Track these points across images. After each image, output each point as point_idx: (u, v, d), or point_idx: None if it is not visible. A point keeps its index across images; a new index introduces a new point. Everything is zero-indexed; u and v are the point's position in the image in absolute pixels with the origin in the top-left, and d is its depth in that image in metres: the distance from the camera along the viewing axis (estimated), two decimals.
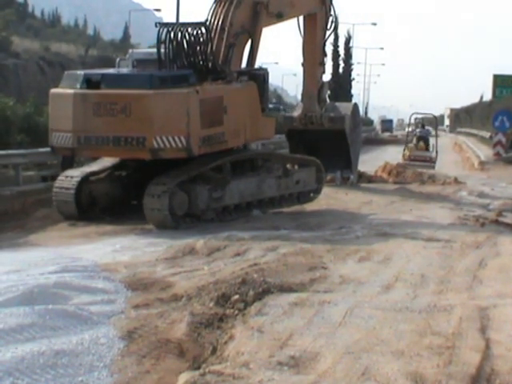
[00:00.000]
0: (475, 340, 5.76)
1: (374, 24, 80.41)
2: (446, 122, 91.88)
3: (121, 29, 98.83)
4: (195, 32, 12.61)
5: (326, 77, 19.88)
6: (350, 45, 76.69)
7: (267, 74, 14.30)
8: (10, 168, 16.51)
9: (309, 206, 14.83)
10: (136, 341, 5.84)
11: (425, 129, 32.17)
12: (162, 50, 12.73)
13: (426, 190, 18.80)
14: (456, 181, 20.88)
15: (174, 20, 28.79)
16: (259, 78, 13.85)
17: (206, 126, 12.04)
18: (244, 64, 14.07)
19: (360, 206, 15.23)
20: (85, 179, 12.95)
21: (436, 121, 34.19)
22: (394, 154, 30.50)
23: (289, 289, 7.34)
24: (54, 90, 12.69)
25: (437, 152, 27.67)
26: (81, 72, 12.88)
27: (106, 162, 13.66)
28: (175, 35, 12.57)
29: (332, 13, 17.47)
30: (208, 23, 13.17)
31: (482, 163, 30.49)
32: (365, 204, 15.53)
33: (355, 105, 20.22)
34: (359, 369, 5.12)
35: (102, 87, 11.99)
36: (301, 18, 16.85)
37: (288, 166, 14.85)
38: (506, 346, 5.65)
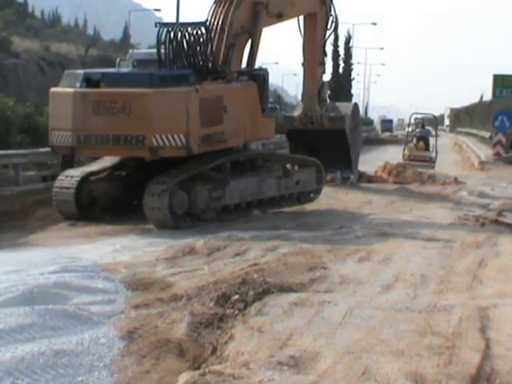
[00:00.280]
0: (475, 340, 5.76)
1: (374, 24, 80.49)
2: (446, 121, 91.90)
3: (121, 29, 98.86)
4: (195, 32, 12.61)
5: (326, 77, 19.89)
6: (350, 45, 76.74)
7: (267, 74, 14.30)
8: (10, 168, 16.50)
9: (309, 206, 14.82)
10: (136, 341, 5.84)
11: (425, 129, 32.19)
12: (162, 51, 12.73)
13: (426, 189, 18.79)
14: (456, 181, 20.87)
15: (174, 20, 28.80)
16: (259, 78, 13.85)
17: (205, 124, 12.05)
18: (244, 64, 14.08)
19: (360, 205, 15.23)
20: (85, 179, 12.95)
21: (436, 121, 34.22)
22: (394, 154, 30.49)
23: (289, 289, 7.34)
24: (53, 89, 12.71)
25: (436, 152, 27.69)
26: (81, 71, 12.91)
27: (106, 161, 13.67)
28: (175, 35, 12.57)
29: (332, 13, 17.46)
30: (208, 23, 13.17)
31: (482, 163, 30.48)
32: (365, 204, 15.52)
33: (355, 105, 20.21)
34: (359, 369, 5.12)
35: (102, 86, 12.01)
36: (301, 18, 16.83)
37: (288, 166, 14.85)
38: (505, 345, 5.66)
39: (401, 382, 4.93)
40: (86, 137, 11.97)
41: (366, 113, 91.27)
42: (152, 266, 8.64)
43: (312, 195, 15.12)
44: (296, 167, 15.13)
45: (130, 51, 15.62)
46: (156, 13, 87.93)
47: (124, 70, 14.09)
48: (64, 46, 48.38)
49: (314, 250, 9.54)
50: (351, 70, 77.13)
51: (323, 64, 17.86)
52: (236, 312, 6.53)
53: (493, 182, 21.19)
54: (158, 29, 12.73)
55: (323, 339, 5.73)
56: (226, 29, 13.34)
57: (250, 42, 13.96)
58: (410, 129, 36.34)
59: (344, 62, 75.94)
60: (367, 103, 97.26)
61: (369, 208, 14.91)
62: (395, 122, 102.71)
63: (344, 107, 18.94)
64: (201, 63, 12.72)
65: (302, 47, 17.41)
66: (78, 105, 11.98)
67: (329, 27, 17.54)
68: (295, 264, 8.60)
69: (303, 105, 18.25)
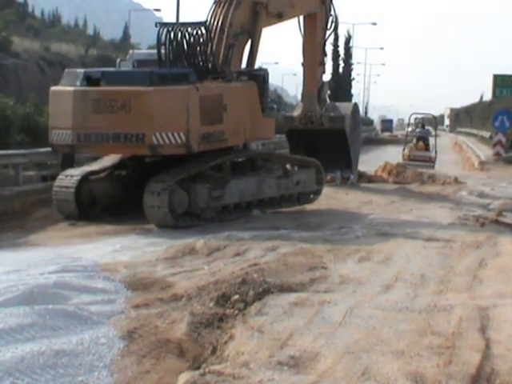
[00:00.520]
0: (475, 340, 5.76)
1: (374, 24, 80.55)
2: (446, 121, 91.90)
3: (121, 29, 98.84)
4: (195, 32, 12.62)
5: (326, 77, 19.89)
6: (350, 45, 76.83)
7: (267, 74, 14.29)
8: (10, 168, 16.51)
9: (309, 206, 14.82)
10: (136, 341, 5.84)
11: (425, 129, 32.23)
12: (163, 51, 12.74)
13: (426, 189, 18.79)
14: (456, 181, 20.86)
15: (174, 20, 28.80)
16: (259, 78, 13.85)
17: (205, 123, 12.05)
18: (244, 64, 14.07)
19: (360, 205, 15.22)
20: (85, 178, 12.95)
21: (435, 121, 34.26)
22: (394, 154, 30.49)
23: (289, 289, 7.34)
24: (54, 88, 12.73)
25: (436, 152, 27.71)
26: (81, 70, 12.93)
27: (106, 161, 13.67)
28: (175, 35, 12.58)
29: (332, 12, 17.47)
30: (208, 24, 13.17)
31: (481, 163, 30.48)
32: (365, 204, 15.52)
33: (355, 105, 20.20)
34: (359, 369, 5.12)
35: (102, 84, 12.03)
36: (301, 18, 16.84)
37: (287, 166, 14.83)
38: (506, 345, 5.66)
39: (401, 382, 4.93)
40: (86, 135, 11.98)
41: (365, 113, 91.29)
42: (152, 265, 8.65)
43: (312, 196, 15.10)
44: (296, 168, 15.13)
45: (131, 52, 15.68)
46: (156, 13, 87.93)
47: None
48: (64, 45, 48.40)
49: (314, 250, 9.55)
50: (351, 69, 77.20)
51: (323, 64, 17.86)
52: (236, 312, 6.53)
53: (493, 182, 21.19)
54: (158, 29, 12.75)
55: (323, 339, 5.73)
56: (226, 29, 13.34)
57: (249, 42, 13.96)
58: (409, 129, 36.37)
59: (344, 62, 76.01)
60: (367, 103, 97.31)
61: (369, 208, 14.90)
62: (395, 121, 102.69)
63: (344, 107, 18.93)
64: (201, 63, 12.73)
65: (302, 47, 17.41)
66: (78, 103, 11.99)
67: (329, 27, 17.55)
68: (295, 264, 8.60)
69: (303, 105, 18.25)
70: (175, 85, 11.88)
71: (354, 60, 77.89)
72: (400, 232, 11.36)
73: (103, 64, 35.35)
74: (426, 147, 29.40)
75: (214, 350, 5.68)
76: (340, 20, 19.16)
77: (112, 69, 14.02)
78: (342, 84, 72.00)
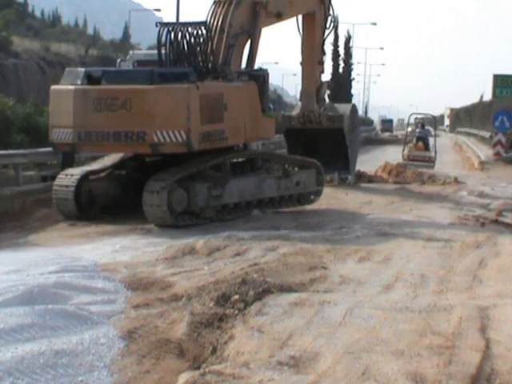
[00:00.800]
0: (475, 340, 5.76)
1: (374, 24, 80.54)
2: (446, 121, 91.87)
3: (121, 29, 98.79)
4: (195, 32, 12.62)
5: (326, 77, 19.89)
6: (350, 45, 76.87)
7: (267, 74, 14.29)
8: (10, 168, 16.50)
9: (309, 206, 14.81)
10: (136, 341, 5.84)
11: (424, 129, 32.20)
12: (163, 51, 12.74)
13: (426, 189, 18.79)
14: (456, 181, 20.86)
15: (174, 20, 28.80)
16: (259, 78, 13.85)
17: (206, 121, 12.06)
18: (244, 64, 14.07)
19: (360, 205, 15.22)
20: (85, 177, 12.96)
21: (435, 121, 34.24)
22: (393, 154, 30.47)
23: (289, 289, 7.34)
24: (54, 87, 12.75)
25: (436, 152, 27.70)
26: (81, 69, 12.94)
27: (107, 161, 13.68)
28: (175, 35, 12.58)
29: (331, 12, 17.48)
30: (207, 24, 13.17)
31: (482, 163, 30.46)
32: (365, 204, 15.52)
33: (354, 106, 20.16)
34: (359, 369, 5.12)
35: (103, 83, 12.05)
36: (300, 18, 16.85)
37: (287, 166, 14.81)
38: (506, 345, 5.66)
39: (401, 382, 4.93)
40: (86, 133, 11.99)
41: (365, 113, 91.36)
42: (152, 265, 8.64)
43: (312, 197, 15.07)
44: (296, 168, 15.12)
45: (131, 52, 15.64)
46: (156, 13, 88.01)
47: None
48: (64, 45, 48.43)
49: (314, 250, 9.55)
50: (351, 70, 77.22)
51: (322, 63, 17.86)
52: (236, 312, 6.52)
53: (493, 182, 21.17)
54: (158, 29, 12.75)
55: (323, 339, 5.73)
56: (226, 29, 13.35)
57: (249, 42, 13.97)
58: (409, 129, 36.36)
59: (344, 62, 76.03)
60: (367, 103, 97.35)
61: (369, 208, 14.91)
62: (395, 122, 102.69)
63: (342, 108, 18.93)
64: (201, 63, 12.73)
65: (301, 46, 17.41)
66: (78, 102, 12.00)
67: (327, 26, 17.56)
68: (295, 264, 8.60)
69: (301, 104, 18.23)
70: (176, 83, 11.89)
71: (353, 60, 78.03)
72: (400, 232, 11.36)
73: (103, 64, 35.39)
74: (426, 147, 29.40)
75: (214, 350, 5.68)
76: (340, 20, 19.30)
77: (113, 68, 14.01)
78: (341, 84, 71.99)
